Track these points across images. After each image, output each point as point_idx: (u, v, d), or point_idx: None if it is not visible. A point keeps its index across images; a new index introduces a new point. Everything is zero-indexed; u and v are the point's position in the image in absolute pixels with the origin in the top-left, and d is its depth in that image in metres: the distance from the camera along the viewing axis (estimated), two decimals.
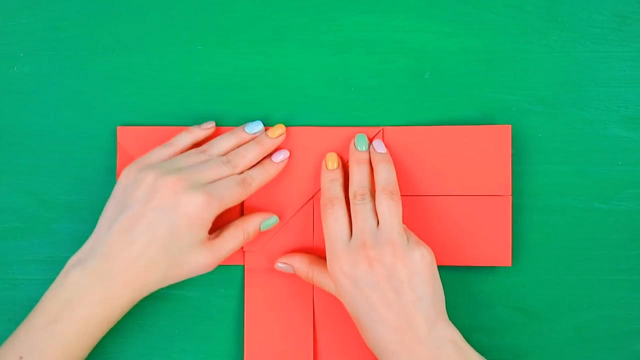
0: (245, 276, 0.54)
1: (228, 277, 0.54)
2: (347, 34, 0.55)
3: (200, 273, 0.50)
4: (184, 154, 0.51)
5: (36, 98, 0.55)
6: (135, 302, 0.49)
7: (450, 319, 0.49)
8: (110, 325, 0.49)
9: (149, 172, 0.49)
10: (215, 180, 0.50)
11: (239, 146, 0.52)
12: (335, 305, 0.53)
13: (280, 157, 0.53)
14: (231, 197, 0.50)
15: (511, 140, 0.53)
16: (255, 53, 0.55)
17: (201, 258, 0.50)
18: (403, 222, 0.50)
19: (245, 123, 0.53)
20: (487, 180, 0.53)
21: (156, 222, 0.48)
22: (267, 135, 0.53)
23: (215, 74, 0.55)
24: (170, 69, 0.55)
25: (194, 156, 0.51)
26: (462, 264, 0.53)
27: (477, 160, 0.53)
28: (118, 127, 0.54)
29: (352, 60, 0.55)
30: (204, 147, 0.52)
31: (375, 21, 0.55)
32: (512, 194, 0.54)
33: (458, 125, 0.54)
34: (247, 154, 0.51)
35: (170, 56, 0.55)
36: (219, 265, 0.54)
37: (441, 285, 0.49)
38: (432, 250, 0.50)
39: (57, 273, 0.53)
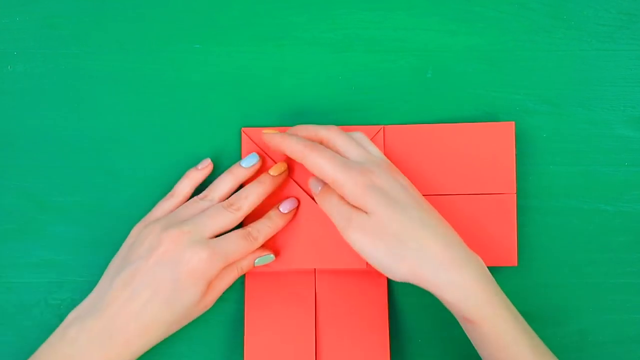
0: (245, 280, 0.53)
1: None
2: (347, 32, 0.54)
3: (198, 315, 0.51)
4: (184, 204, 0.51)
5: (30, 97, 0.54)
6: (134, 359, 0.48)
7: (452, 322, 0.48)
8: None
9: (153, 227, 0.49)
10: (219, 229, 0.49)
11: (239, 185, 0.52)
12: (337, 309, 0.53)
13: (288, 207, 0.52)
14: (235, 252, 0.49)
15: (515, 137, 0.53)
16: (254, 52, 0.54)
17: (201, 304, 0.50)
18: None
19: (241, 160, 0.52)
20: (491, 178, 0.53)
21: (158, 278, 0.47)
22: (269, 173, 0.52)
23: (213, 73, 0.54)
24: (167, 67, 0.54)
25: (195, 205, 0.51)
26: None
27: (480, 158, 0.53)
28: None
29: (353, 59, 0.54)
30: (205, 192, 0.52)
31: (377, 19, 0.54)
32: (517, 195, 0.53)
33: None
34: (249, 196, 0.51)
35: (167, 54, 0.54)
36: None
37: None
38: None
39: (51, 276, 0.54)
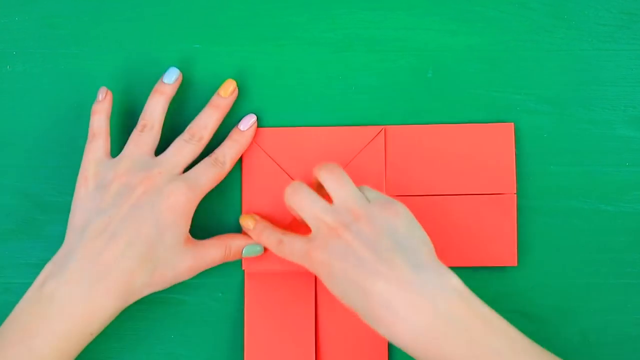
0: (245, 280, 0.53)
1: (225, 280, 0.54)
2: (347, 32, 0.54)
3: (184, 279, 0.49)
4: (132, 142, 0.50)
5: (29, 97, 0.54)
6: (117, 313, 0.47)
7: None
8: (91, 338, 0.47)
9: (116, 172, 0.48)
10: (186, 163, 0.50)
11: (168, 102, 0.51)
12: (338, 310, 0.52)
13: (247, 123, 0.52)
14: (208, 181, 0.50)
15: (514, 138, 0.53)
16: (254, 51, 0.54)
17: (186, 259, 0.49)
18: None
19: (162, 76, 0.52)
20: (491, 178, 0.53)
21: (139, 219, 0.47)
22: (220, 95, 0.52)
23: (214, 73, 0.54)
24: (167, 67, 0.54)
25: (139, 139, 0.50)
26: (467, 265, 0.52)
27: (480, 159, 0.53)
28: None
29: (353, 58, 0.54)
30: (143, 122, 0.50)
31: (377, 19, 0.54)
32: (517, 196, 0.53)
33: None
34: (208, 122, 0.51)
35: (167, 54, 0.54)
36: (216, 267, 0.53)
37: (424, 234, 0.45)
38: (435, 250, 0.48)
39: None
